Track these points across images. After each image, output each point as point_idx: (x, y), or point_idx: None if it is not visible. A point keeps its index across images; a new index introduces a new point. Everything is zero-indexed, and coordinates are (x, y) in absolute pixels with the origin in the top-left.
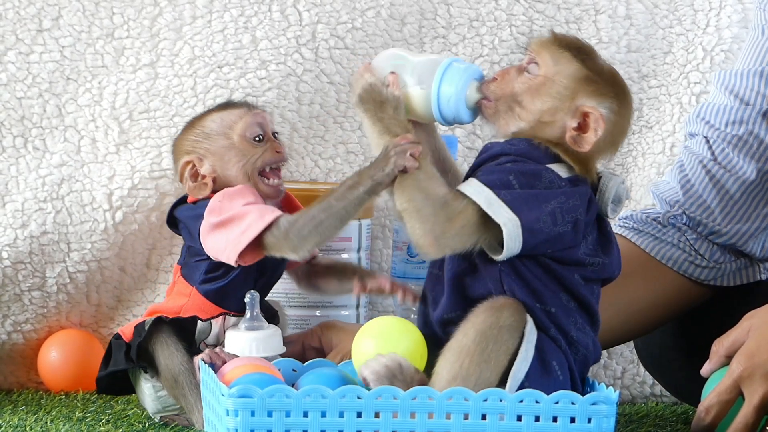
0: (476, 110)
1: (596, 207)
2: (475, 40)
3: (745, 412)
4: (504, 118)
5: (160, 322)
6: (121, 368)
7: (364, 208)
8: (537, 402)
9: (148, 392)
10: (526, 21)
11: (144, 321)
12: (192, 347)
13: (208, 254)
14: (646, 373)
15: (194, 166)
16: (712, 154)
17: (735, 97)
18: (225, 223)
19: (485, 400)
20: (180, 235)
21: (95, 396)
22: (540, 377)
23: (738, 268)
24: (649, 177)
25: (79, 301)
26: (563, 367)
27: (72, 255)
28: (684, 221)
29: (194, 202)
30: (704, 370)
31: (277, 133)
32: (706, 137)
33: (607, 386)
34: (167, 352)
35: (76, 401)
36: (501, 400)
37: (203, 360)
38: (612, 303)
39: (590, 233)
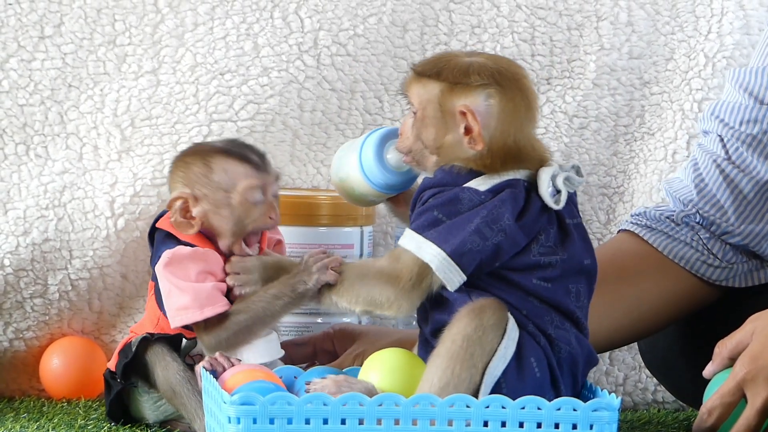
0: (410, 168)
1: (538, 202)
2: (477, 47)
3: (748, 415)
4: (424, 163)
5: (146, 339)
6: (116, 392)
7: (366, 215)
8: (539, 408)
9: (148, 405)
10: (528, 28)
11: (129, 343)
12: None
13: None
14: (649, 379)
15: (186, 203)
16: (726, 153)
17: (750, 95)
18: (169, 289)
19: (487, 407)
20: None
21: (97, 403)
22: (516, 373)
23: (749, 270)
24: (651, 183)
25: (81, 308)
26: (541, 363)
27: (74, 262)
28: (697, 220)
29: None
30: (707, 372)
31: (277, 196)
32: (720, 136)
33: (609, 393)
34: (163, 363)
35: (78, 408)
36: (503, 407)
37: (204, 367)
38: (623, 301)
39: (543, 231)
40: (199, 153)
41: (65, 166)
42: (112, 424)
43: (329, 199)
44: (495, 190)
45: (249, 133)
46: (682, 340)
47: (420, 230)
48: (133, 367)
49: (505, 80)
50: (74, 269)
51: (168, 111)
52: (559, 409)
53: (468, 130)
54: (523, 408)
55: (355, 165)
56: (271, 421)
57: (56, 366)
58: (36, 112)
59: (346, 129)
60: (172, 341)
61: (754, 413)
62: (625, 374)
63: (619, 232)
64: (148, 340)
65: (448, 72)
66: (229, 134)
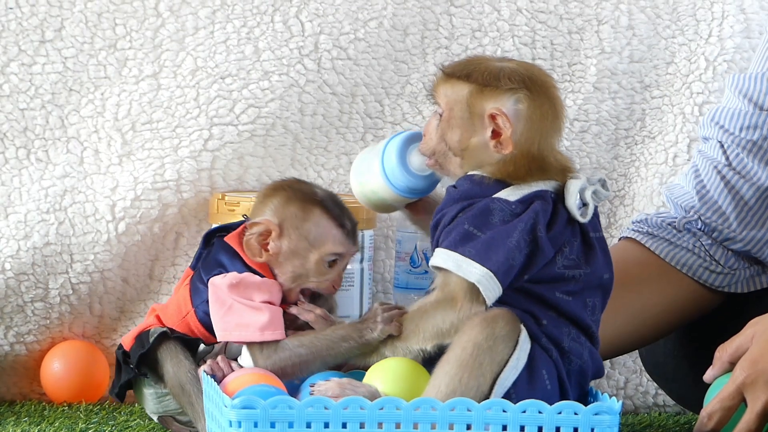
0: (432, 172)
1: (565, 215)
2: (477, 50)
3: (748, 419)
4: (447, 166)
5: (165, 334)
6: (126, 378)
7: (367, 218)
8: (540, 412)
9: (150, 398)
10: (528, 31)
11: (148, 331)
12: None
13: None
14: (649, 383)
15: (269, 233)
16: (727, 159)
17: (749, 101)
18: (232, 306)
19: (488, 410)
20: (205, 248)
21: (98, 407)
22: (527, 385)
23: (751, 275)
24: (652, 187)
25: (82, 312)
26: (552, 376)
27: (75, 266)
28: (699, 227)
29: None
30: (707, 376)
31: (345, 268)
32: (720, 142)
33: (610, 396)
34: (175, 360)
35: (78, 412)
36: (504, 411)
37: (205, 371)
38: (625, 308)
39: (568, 244)
40: (302, 195)
41: (66, 170)
42: (115, 402)
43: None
44: (525, 201)
45: (250, 137)
46: (682, 345)
47: (454, 247)
48: (146, 358)
49: (535, 86)
50: (75, 273)
51: (169, 115)
52: (560, 413)
53: (496, 134)
54: (524, 412)
55: (376, 168)
56: (272, 425)
57: (57, 370)
58: (37, 116)
59: (347, 133)
60: (189, 343)
61: (754, 417)
62: (626, 378)
63: (620, 239)
64: (166, 335)
65: (478, 74)
66: (229, 138)
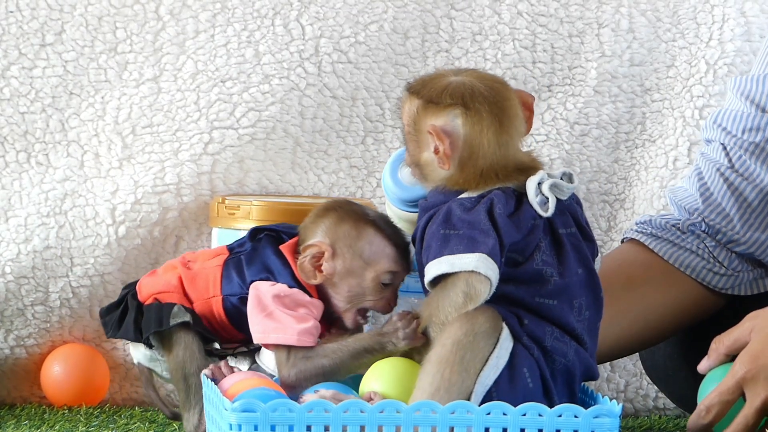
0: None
1: (531, 210)
2: (478, 54)
3: (746, 414)
4: (419, 180)
5: (186, 324)
6: (129, 335)
7: None
8: (540, 415)
9: (143, 353)
10: (529, 35)
11: (170, 307)
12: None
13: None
14: (650, 386)
15: (322, 254)
16: (730, 161)
17: (751, 103)
18: (273, 313)
19: (489, 414)
20: (251, 241)
21: (98, 411)
22: (508, 384)
23: (755, 278)
24: (653, 191)
25: (82, 316)
26: (534, 375)
27: (75, 270)
28: (703, 228)
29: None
30: (702, 367)
31: (398, 286)
32: (723, 144)
33: (611, 399)
34: (189, 351)
35: (79, 416)
36: (504, 414)
37: (205, 374)
38: (629, 310)
39: (543, 240)
40: (354, 215)
41: (66, 173)
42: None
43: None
44: (484, 195)
45: (250, 141)
46: (682, 348)
47: (439, 254)
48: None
49: (474, 101)
50: (75, 277)
51: (169, 118)
52: (560, 416)
53: (437, 150)
54: (525, 415)
55: (384, 189)
56: (273, 428)
57: (57, 373)
58: (37, 119)
59: (347, 136)
60: (205, 338)
61: (752, 412)
62: (626, 381)
63: (624, 240)
64: (188, 325)
65: (426, 90)
66: (230, 141)
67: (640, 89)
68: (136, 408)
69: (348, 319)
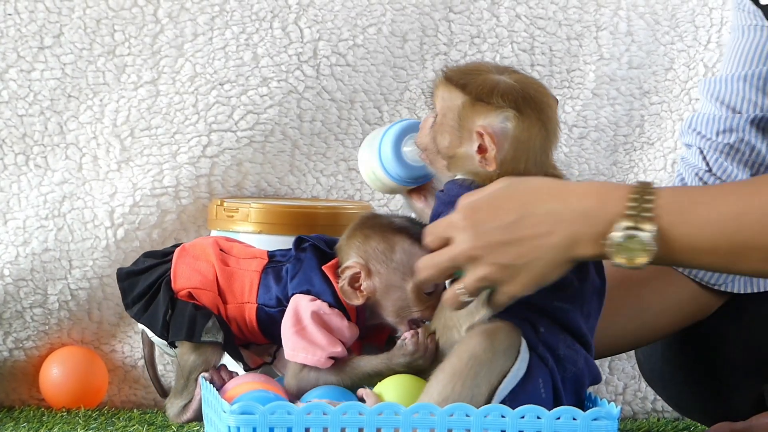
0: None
1: None
2: (476, 57)
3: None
4: (435, 166)
5: (215, 342)
6: (155, 330)
7: None
8: (539, 418)
9: (149, 336)
10: (527, 38)
11: (204, 321)
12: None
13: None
14: (648, 388)
15: (359, 274)
16: (707, 164)
17: (722, 104)
18: (307, 328)
19: (486, 416)
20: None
21: (97, 413)
22: (522, 392)
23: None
24: None
25: (81, 318)
26: (547, 384)
27: (74, 272)
28: None
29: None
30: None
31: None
32: (700, 148)
33: (609, 402)
34: (205, 363)
35: (77, 418)
36: (503, 416)
37: (204, 378)
38: (625, 309)
39: None
40: (380, 228)
41: (65, 176)
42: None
43: (329, 209)
44: None
45: (248, 143)
46: (679, 352)
47: None
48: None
49: (527, 106)
50: (74, 279)
51: (167, 121)
52: (558, 418)
53: (482, 149)
54: (523, 417)
55: (375, 152)
56: (271, 430)
57: (56, 376)
58: (35, 122)
59: (346, 139)
60: (235, 353)
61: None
62: (624, 383)
63: None
64: (217, 343)
65: (473, 86)
66: (228, 144)
67: (638, 92)
68: (135, 410)
69: (403, 330)
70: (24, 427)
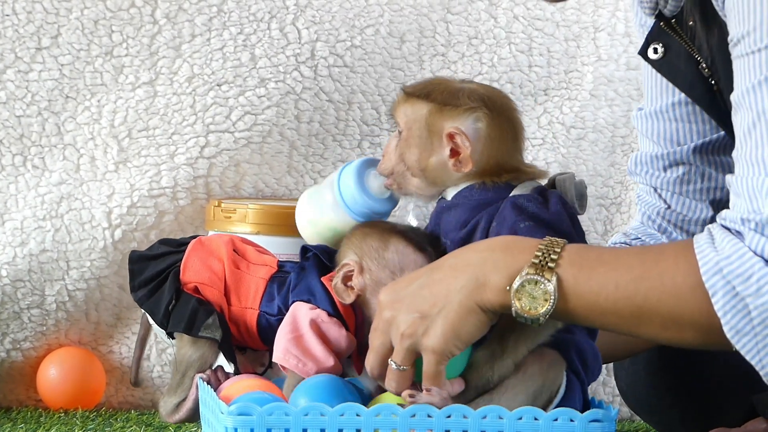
0: (391, 194)
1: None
2: (474, 57)
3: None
4: (405, 186)
5: (214, 340)
6: (156, 317)
7: None
8: (536, 419)
9: (149, 321)
10: (525, 39)
11: (205, 316)
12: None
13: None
14: None
15: (351, 271)
16: (665, 202)
17: (661, 139)
18: (303, 336)
19: (484, 418)
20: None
21: (94, 414)
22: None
23: None
24: None
25: (78, 319)
26: (579, 399)
27: (71, 273)
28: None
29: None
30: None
31: None
32: (653, 187)
33: (607, 403)
34: (201, 360)
35: (75, 419)
36: (500, 417)
37: (201, 378)
38: None
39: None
40: (378, 228)
41: (62, 177)
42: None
43: None
44: (536, 190)
45: (246, 144)
46: (664, 378)
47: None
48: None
49: (494, 106)
50: (71, 280)
51: (165, 122)
52: (556, 420)
53: (454, 152)
54: (520, 419)
55: (330, 200)
56: (269, 431)
57: (53, 376)
58: (33, 123)
59: (343, 140)
60: (233, 356)
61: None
62: None
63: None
64: (214, 340)
65: (438, 93)
66: (226, 145)
67: (636, 93)
68: (132, 411)
69: None
70: (21, 428)
